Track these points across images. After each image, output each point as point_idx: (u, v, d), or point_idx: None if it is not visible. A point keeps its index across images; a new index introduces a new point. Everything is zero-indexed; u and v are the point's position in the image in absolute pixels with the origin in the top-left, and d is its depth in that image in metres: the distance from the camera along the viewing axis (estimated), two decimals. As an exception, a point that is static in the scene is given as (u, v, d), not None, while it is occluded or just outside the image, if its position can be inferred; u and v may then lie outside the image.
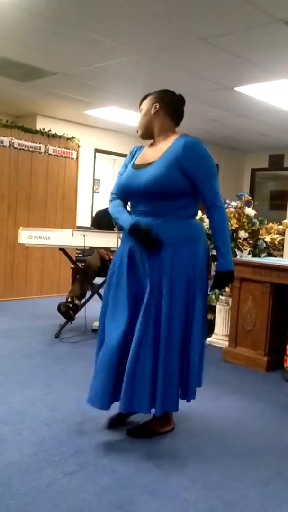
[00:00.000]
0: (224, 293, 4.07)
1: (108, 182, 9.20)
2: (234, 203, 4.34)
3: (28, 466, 2.09)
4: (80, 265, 4.84)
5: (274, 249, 4.55)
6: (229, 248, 2.33)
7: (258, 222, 4.33)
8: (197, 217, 2.62)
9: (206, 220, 3.70)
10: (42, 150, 6.06)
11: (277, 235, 4.64)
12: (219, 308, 4.23)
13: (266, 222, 4.51)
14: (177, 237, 2.26)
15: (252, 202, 4.34)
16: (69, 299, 4.38)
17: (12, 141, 5.76)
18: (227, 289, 3.82)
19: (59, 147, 6.23)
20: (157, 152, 2.30)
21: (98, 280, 4.64)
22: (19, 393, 2.91)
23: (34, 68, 5.05)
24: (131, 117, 6.73)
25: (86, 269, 4.64)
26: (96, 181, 8.68)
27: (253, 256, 4.20)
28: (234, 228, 4.16)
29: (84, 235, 4.10)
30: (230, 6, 3.39)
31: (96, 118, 7.29)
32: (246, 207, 4.27)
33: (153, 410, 2.30)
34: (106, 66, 4.82)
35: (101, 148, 8.24)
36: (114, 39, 4.12)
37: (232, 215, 4.23)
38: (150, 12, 3.56)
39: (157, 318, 2.23)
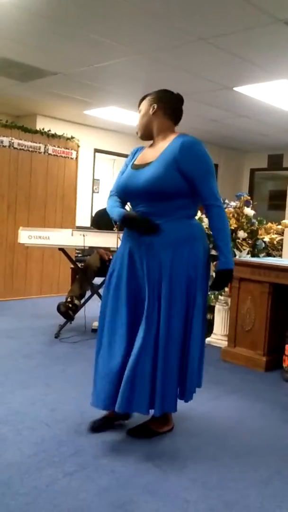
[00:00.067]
0: (223, 293, 4.07)
1: (108, 182, 9.18)
2: (233, 203, 4.33)
3: (28, 466, 2.09)
4: (79, 265, 4.84)
5: (273, 249, 4.56)
6: (229, 246, 2.32)
7: (257, 222, 4.33)
8: (196, 217, 2.62)
9: (206, 220, 3.70)
10: (42, 150, 6.06)
11: (276, 235, 4.65)
12: (218, 308, 4.23)
13: (265, 222, 4.50)
14: (177, 237, 2.25)
15: (251, 202, 4.34)
16: (69, 299, 4.38)
17: (12, 141, 5.76)
18: (226, 289, 3.82)
19: (58, 147, 6.23)
20: (156, 152, 2.30)
21: (97, 280, 4.64)
22: (19, 393, 2.91)
23: (34, 68, 5.05)
24: (131, 117, 6.73)
25: (86, 269, 4.64)
26: (96, 181, 8.68)
27: (252, 256, 4.20)
28: (233, 228, 4.16)
29: (83, 235, 4.10)
30: (230, 6, 3.39)
31: (96, 118, 7.29)
32: (245, 207, 4.27)
33: (151, 411, 2.30)
34: (106, 66, 4.82)
35: (100, 148, 8.24)
36: (114, 39, 4.12)
37: (231, 215, 4.23)
38: (150, 12, 3.56)
39: (158, 321, 2.23)
